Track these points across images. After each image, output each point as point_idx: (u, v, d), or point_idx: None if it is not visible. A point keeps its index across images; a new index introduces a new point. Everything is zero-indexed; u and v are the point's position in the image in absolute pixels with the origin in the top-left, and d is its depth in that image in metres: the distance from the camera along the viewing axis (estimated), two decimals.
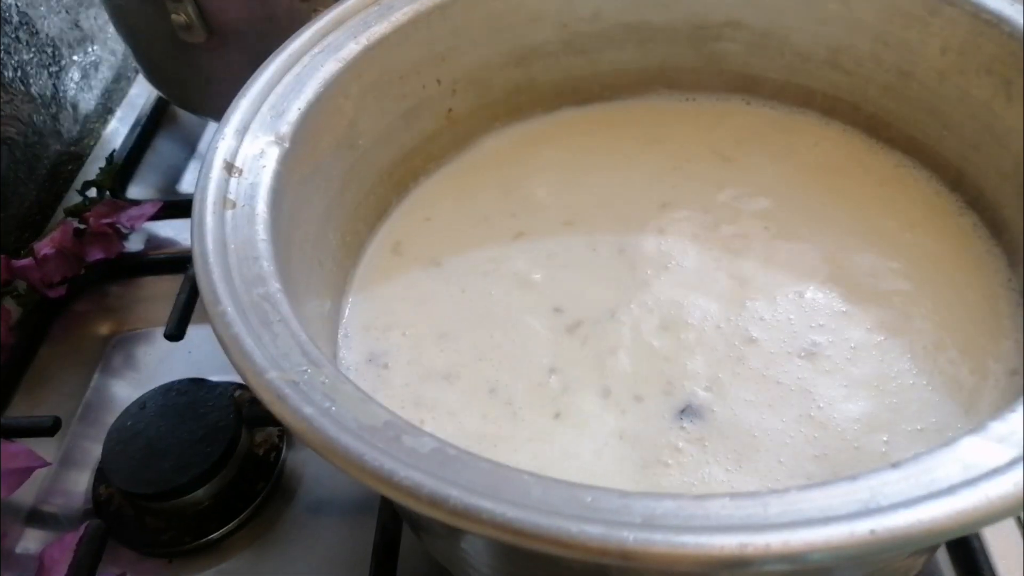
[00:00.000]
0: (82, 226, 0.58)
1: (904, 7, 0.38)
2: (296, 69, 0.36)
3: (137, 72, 0.77)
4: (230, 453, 0.45)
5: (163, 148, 0.69)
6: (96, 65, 0.73)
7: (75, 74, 0.70)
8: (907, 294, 0.36)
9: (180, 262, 0.56)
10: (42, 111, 0.66)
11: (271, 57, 0.36)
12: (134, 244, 0.60)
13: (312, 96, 0.35)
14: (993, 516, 0.21)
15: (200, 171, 0.32)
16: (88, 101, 0.72)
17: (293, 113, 0.35)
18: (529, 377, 0.35)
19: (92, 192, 0.64)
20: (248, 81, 0.35)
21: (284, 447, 0.47)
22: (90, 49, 0.72)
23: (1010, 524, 0.41)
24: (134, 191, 0.65)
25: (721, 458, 0.32)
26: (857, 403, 0.33)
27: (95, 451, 0.47)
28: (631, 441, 0.32)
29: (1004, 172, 0.36)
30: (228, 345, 0.27)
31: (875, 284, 0.37)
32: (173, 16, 0.52)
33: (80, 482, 0.48)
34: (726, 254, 0.39)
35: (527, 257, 0.40)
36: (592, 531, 0.21)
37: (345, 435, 0.24)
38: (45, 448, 0.47)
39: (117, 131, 0.72)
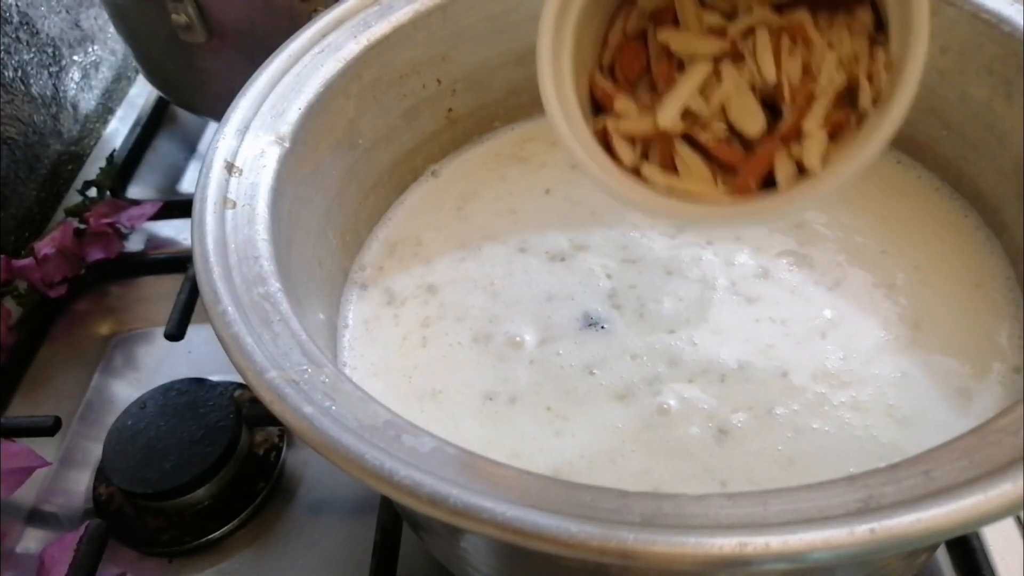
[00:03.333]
0: (82, 226, 0.58)
1: None
2: (296, 69, 0.36)
3: (137, 72, 0.77)
4: (230, 453, 0.45)
5: (163, 148, 0.69)
6: (96, 65, 0.73)
7: (75, 74, 0.70)
8: (906, 293, 0.36)
9: (180, 262, 0.56)
10: (42, 111, 0.66)
11: (271, 57, 0.36)
12: (134, 244, 0.60)
13: (312, 96, 0.35)
14: (993, 516, 0.21)
15: (200, 171, 0.32)
16: (88, 101, 0.72)
17: (293, 113, 0.35)
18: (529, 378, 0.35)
19: (92, 192, 0.64)
20: (248, 81, 0.35)
21: (284, 447, 0.47)
22: (90, 49, 0.72)
23: (1010, 524, 0.41)
24: (134, 191, 0.65)
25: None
26: (856, 401, 0.33)
27: (95, 451, 0.47)
28: None
29: (1004, 172, 0.36)
30: (228, 345, 0.27)
31: (874, 283, 0.37)
32: (173, 16, 0.53)
33: (80, 482, 0.48)
34: (726, 254, 0.38)
35: (527, 255, 0.40)
36: (592, 531, 0.21)
37: (345, 434, 0.24)
38: (45, 448, 0.47)
39: (117, 131, 0.72)
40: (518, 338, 0.36)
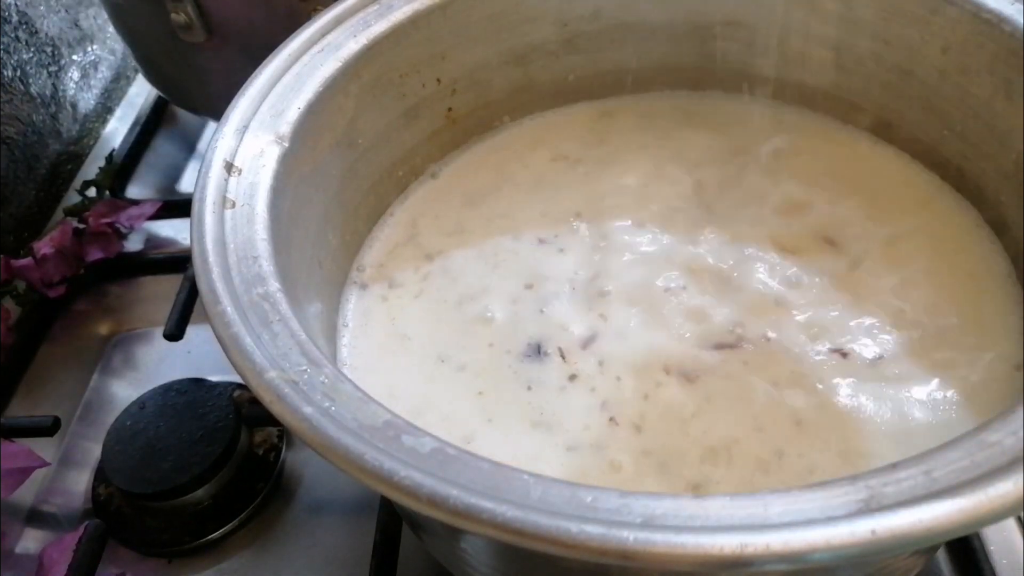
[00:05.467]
0: (81, 226, 0.58)
1: (905, 6, 0.38)
2: (296, 68, 0.36)
3: (136, 72, 0.77)
4: (230, 453, 0.45)
5: (162, 148, 0.69)
6: (95, 64, 0.73)
7: (74, 73, 0.70)
8: (907, 294, 0.36)
9: (180, 262, 0.56)
10: (41, 110, 0.66)
11: (271, 56, 0.36)
12: (133, 244, 0.60)
13: (312, 95, 0.35)
14: (993, 516, 0.21)
15: (200, 170, 0.32)
16: (87, 100, 0.72)
17: (293, 112, 0.35)
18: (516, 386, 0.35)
19: (91, 192, 0.64)
20: (248, 80, 0.35)
21: (284, 447, 0.47)
22: (89, 48, 0.72)
23: (1010, 524, 0.41)
24: (133, 191, 0.65)
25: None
26: (857, 400, 0.33)
27: (95, 451, 0.47)
28: None
29: (1005, 171, 0.36)
30: (228, 345, 0.27)
31: (875, 282, 0.37)
32: (173, 16, 0.52)
33: (80, 482, 0.48)
34: (727, 254, 0.38)
35: (526, 255, 0.40)
36: (592, 531, 0.21)
37: (345, 435, 0.24)
38: (45, 448, 0.47)
39: (116, 131, 0.72)
40: (489, 314, 0.37)
